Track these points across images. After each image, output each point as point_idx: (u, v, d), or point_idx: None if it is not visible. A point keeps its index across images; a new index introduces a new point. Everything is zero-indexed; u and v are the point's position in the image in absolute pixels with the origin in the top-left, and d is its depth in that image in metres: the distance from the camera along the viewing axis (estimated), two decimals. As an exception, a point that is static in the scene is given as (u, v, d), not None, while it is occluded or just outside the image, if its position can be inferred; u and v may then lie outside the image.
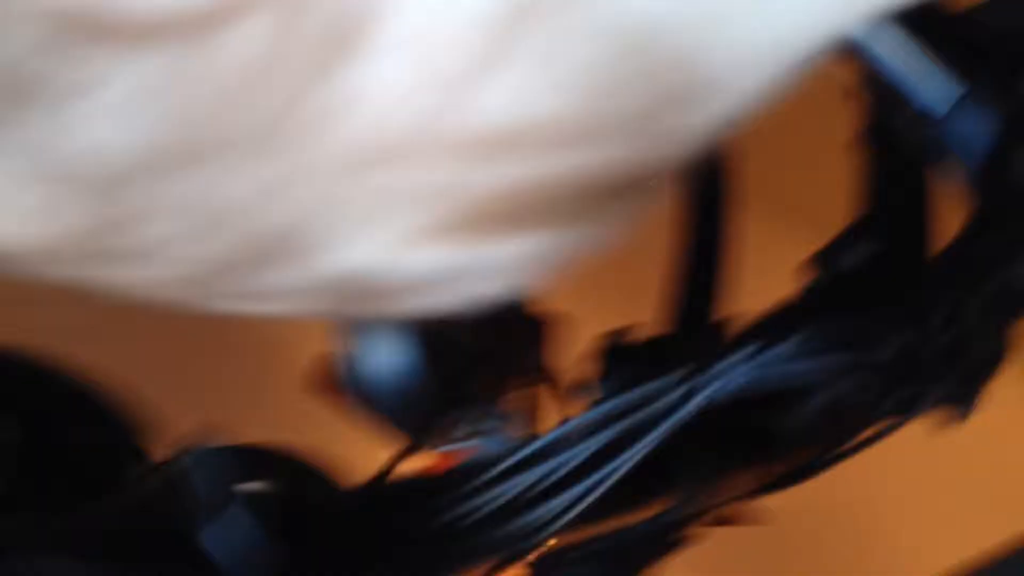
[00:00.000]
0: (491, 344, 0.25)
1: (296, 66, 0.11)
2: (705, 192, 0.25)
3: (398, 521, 0.20)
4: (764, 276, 0.22)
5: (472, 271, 0.16)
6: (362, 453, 0.22)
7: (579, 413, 0.20)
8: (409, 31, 0.11)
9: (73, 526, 0.21)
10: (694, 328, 0.24)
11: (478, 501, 0.19)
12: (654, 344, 0.23)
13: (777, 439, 0.23)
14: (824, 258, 0.24)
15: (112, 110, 0.11)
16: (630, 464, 0.19)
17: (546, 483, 0.19)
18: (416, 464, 0.22)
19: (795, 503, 0.24)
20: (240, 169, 0.13)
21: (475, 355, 0.25)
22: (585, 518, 0.20)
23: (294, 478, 0.22)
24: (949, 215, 0.24)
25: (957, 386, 0.23)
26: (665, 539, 0.23)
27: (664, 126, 0.14)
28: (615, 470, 0.19)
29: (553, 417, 0.24)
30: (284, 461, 0.22)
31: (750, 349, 0.20)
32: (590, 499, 0.19)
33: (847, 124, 0.25)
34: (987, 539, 0.31)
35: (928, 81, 0.22)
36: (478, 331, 0.24)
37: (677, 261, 0.25)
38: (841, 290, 0.23)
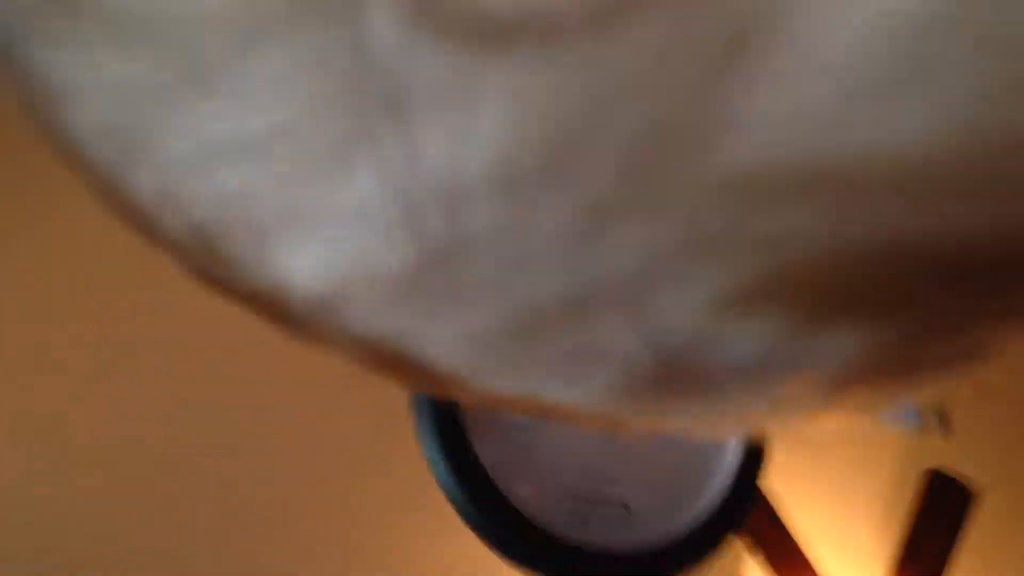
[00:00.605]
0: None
1: (680, 77, 0.09)
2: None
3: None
4: None
5: (794, 361, 0.13)
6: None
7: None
8: (798, 44, 0.09)
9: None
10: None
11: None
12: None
13: None
14: None
15: (476, 121, 0.10)
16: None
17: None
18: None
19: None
20: (585, 193, 0.11)
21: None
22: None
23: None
24: None
25: None
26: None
27: None
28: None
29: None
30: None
31: None
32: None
33: None
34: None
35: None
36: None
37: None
38: None
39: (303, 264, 0.12)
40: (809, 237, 0.11)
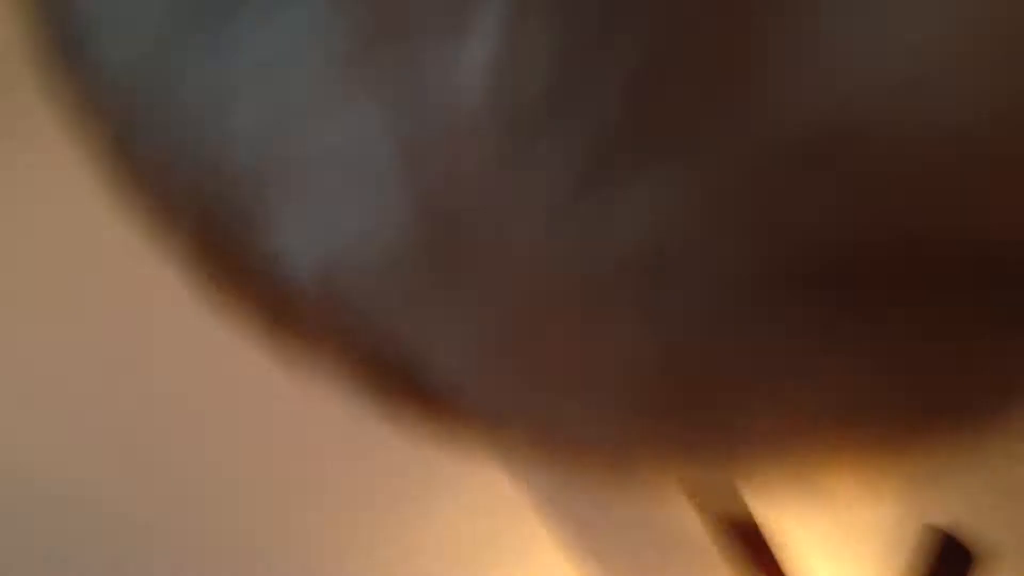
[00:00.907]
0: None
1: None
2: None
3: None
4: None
5: (803, 371, 0.12)
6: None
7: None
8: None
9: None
10: None
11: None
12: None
13: None
14: None
15: (475, 41, 0.09)
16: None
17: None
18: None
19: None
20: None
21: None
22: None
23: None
24: None
25: None
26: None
27: None
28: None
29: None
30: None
31: None
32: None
33: None
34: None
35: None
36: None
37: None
38: None
39: (302, 228, 0.11)
40: (826, 218, 0.10)
